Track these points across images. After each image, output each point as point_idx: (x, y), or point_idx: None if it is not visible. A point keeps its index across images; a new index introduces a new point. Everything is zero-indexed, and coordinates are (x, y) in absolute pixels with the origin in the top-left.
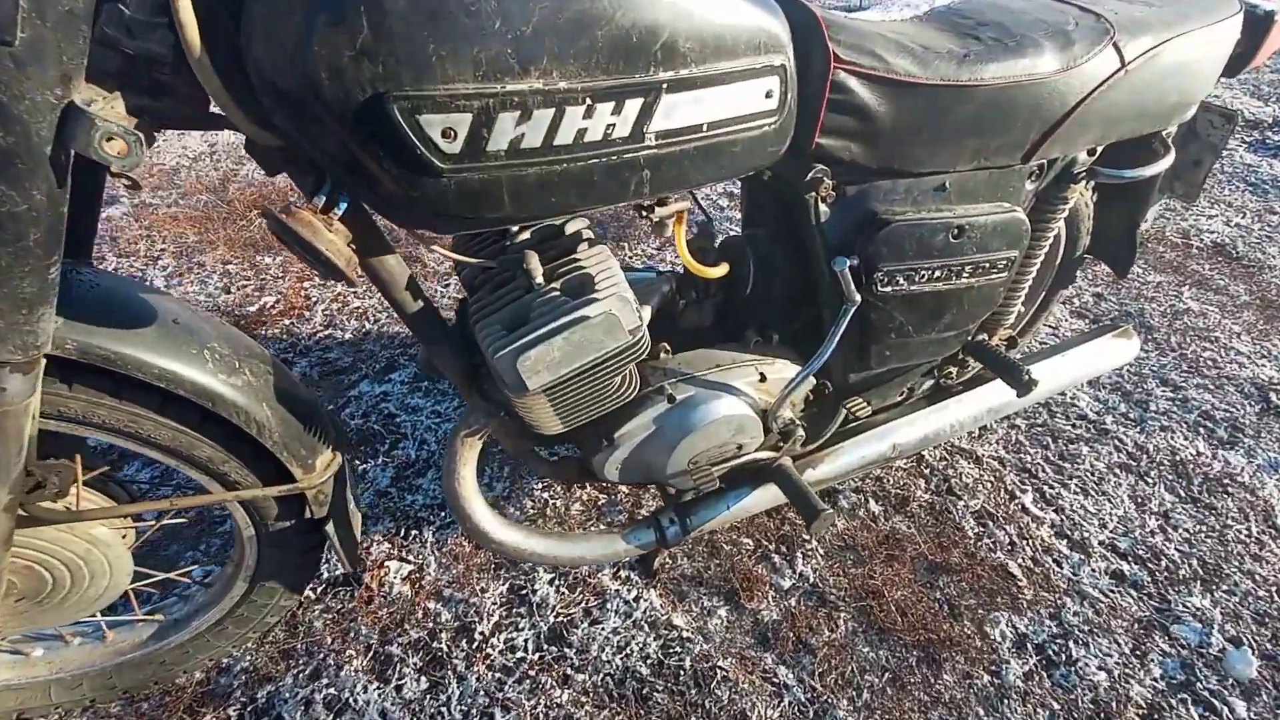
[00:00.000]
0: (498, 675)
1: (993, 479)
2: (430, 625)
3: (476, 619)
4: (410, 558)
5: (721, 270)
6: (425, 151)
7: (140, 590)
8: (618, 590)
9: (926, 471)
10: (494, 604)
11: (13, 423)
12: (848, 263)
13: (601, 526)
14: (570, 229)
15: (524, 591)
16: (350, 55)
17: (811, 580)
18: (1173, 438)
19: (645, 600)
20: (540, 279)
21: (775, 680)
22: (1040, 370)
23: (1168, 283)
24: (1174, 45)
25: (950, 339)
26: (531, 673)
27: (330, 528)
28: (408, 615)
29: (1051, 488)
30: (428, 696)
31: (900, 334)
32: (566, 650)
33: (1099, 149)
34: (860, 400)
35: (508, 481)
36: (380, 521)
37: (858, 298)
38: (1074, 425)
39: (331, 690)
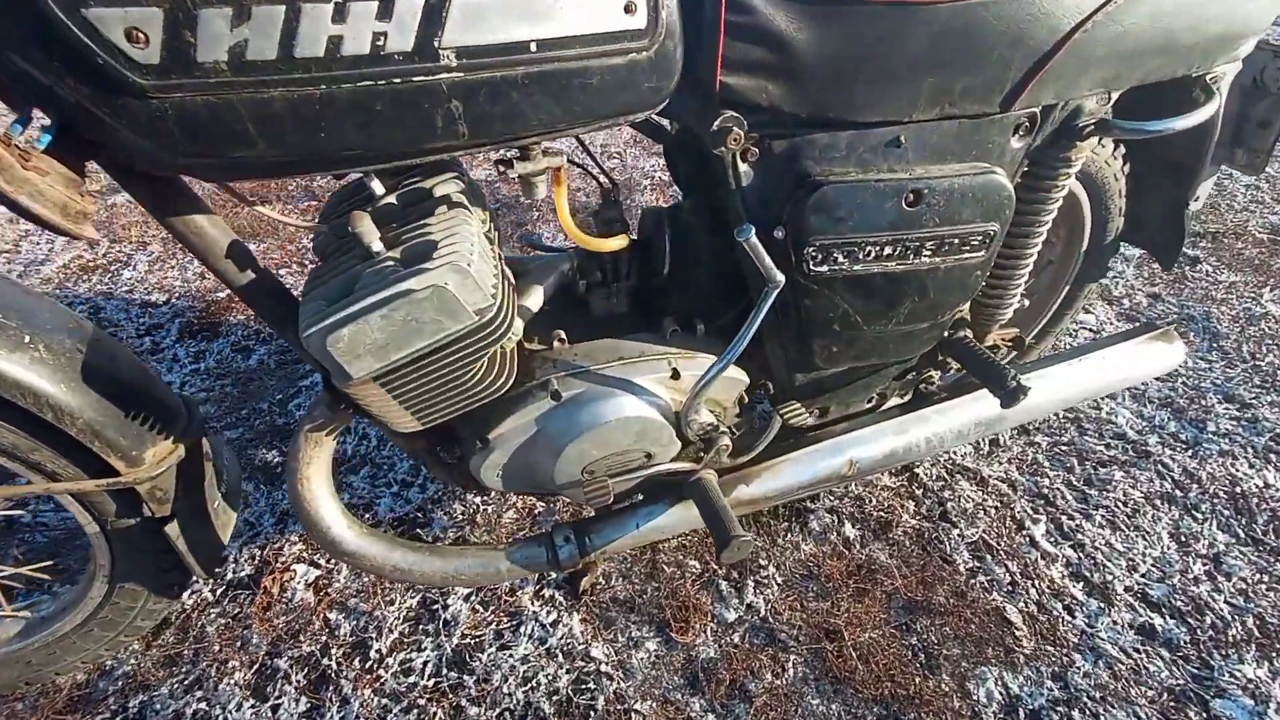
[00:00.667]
0: (384, 701)
1: (998, 504)
2: (325, 639)
3: (376, 635)
4: (320, 562)
5: (617, 243)
6: (111, 61)
7: (12, 586)
8: (536, 612)
9: (919, 492)
10: (399, 619)
11: None
12: (751, 231)
13: (487, 540)
14: (439, 190)
15: (435, 607)
16: None
17: (761, 614)
18: (1234, 465)
19: (565, 625)
20: (377, 245)
21: None
22: (1048, 376)
23: (1244, 283)
24: None
25: (919, 333)
26: (421, 700)
27: (174, 528)
28: (305, 626)
29: (1071, 518)
30: None
31: (847, 325)
32: (466, 677)
33: (1112, 95)
34: (798, 407)
35: (441, 483)
36: (297, 519)
37: (779, 277)
38: (1108, 445)
39: (204, 705)
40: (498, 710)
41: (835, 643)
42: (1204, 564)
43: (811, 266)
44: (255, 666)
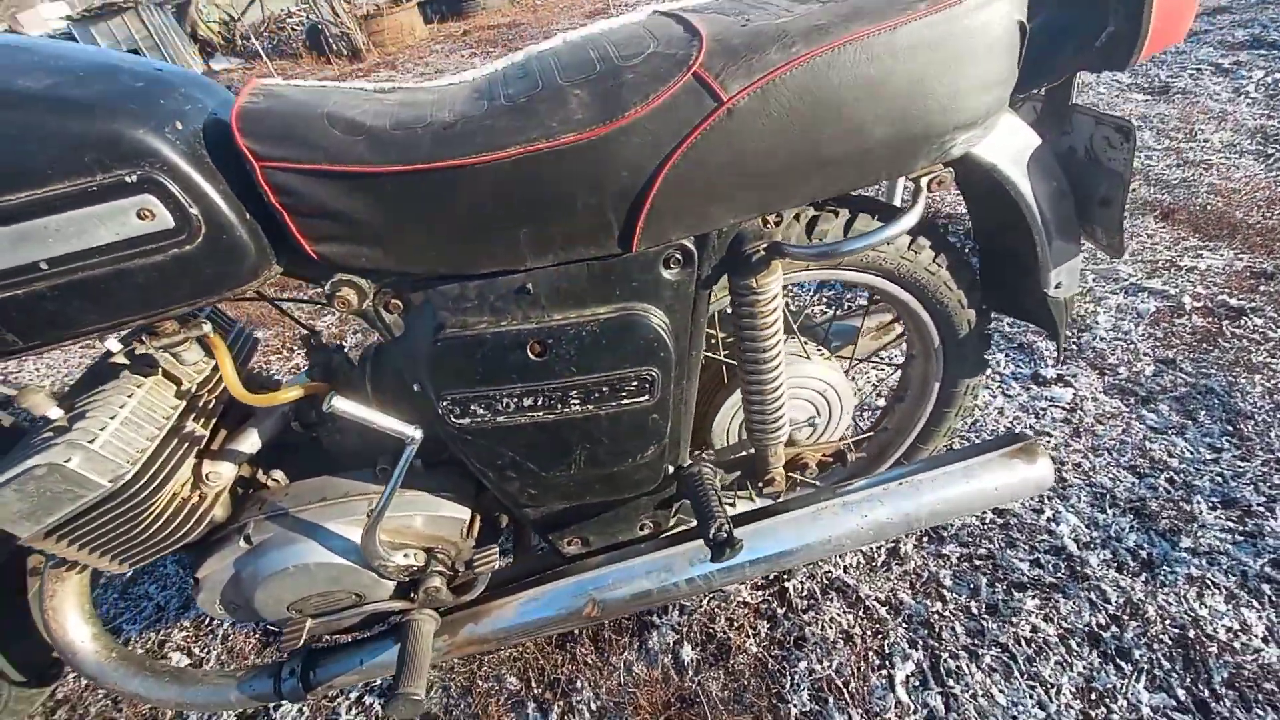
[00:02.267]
0: None
1: (867, 634)
2: None
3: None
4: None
5: (291, 394)
6: None
7: None
8: None
9: (780, 610)
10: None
11: None
12: (333, 399)
13: (232, 666)
14: (124, 358)
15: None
16: None
17: None
18: (1201, 598)
19: None
20: (53, 412)
21: None
22: (829, 515)
23: None
24: (849, 53)
25: (623, 473)
26: None
27: None
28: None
29: (955, 657)
30: None
31: (523, 471)
32: None
33: (773, 217)
34: (558, 535)
35: None
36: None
37: (414, 433)
38: (1035, 562)
39: None
40: None
41: None
42: None
43: (452, 419)
44: None
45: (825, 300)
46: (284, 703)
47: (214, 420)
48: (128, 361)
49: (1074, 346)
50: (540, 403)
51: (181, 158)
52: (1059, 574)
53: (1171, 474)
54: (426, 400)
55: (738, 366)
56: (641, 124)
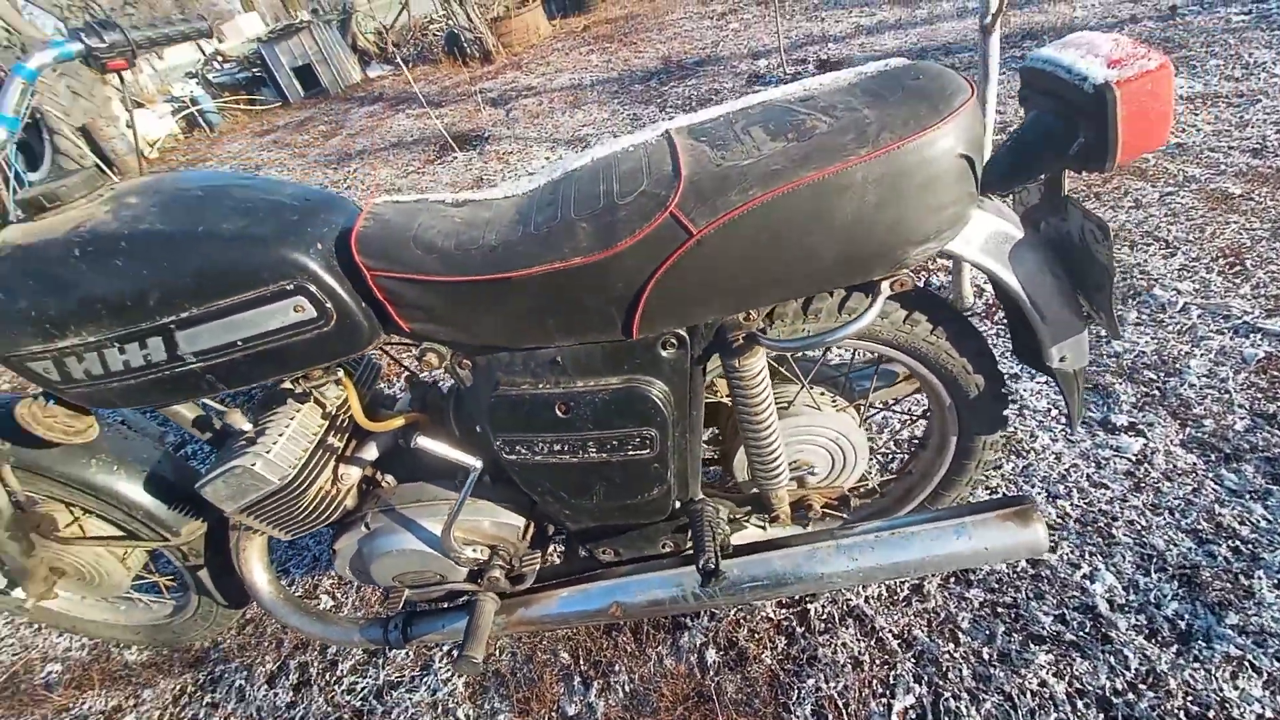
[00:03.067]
0: (328, 707)
1: (875, 662)
2: (316, 650)
3: (344, 655)
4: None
5: (396, 422)
6: (43, 377)
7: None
8: (439, 668)
9: (799, 629)
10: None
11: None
12: (418, 438)
13: (359, 614)
14: (293, 389)
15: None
16: None
17: (599, 714)
18: (1235, 681)
19: (453, 685)
20: (244, 426)
21: None
22: (822, 554)
23: None
24: (799, 193)
25: (633, 506)
26: (346, 715)
27: (203, 574)
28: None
29: (957, 698)
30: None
31: (556, 498)
32: (378, 706)
33: (756, 313)
34: (595, 544)
35: None
36: None
37: (475, 464)
38: (1059, 617)
39: (271, 666)
40: None
41: None
42: None
43: (505, 454)
44: (278, 655)
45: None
46: (390, 649)
47: (346, 435)
48: (293, 395)
49: (1156, 392)
50: (566, 449)
51: (322, 270)
52: (1082, 632)
53: (1239, 543)
54: (487, 436)
55: (739, 424)
56: (631, 250)
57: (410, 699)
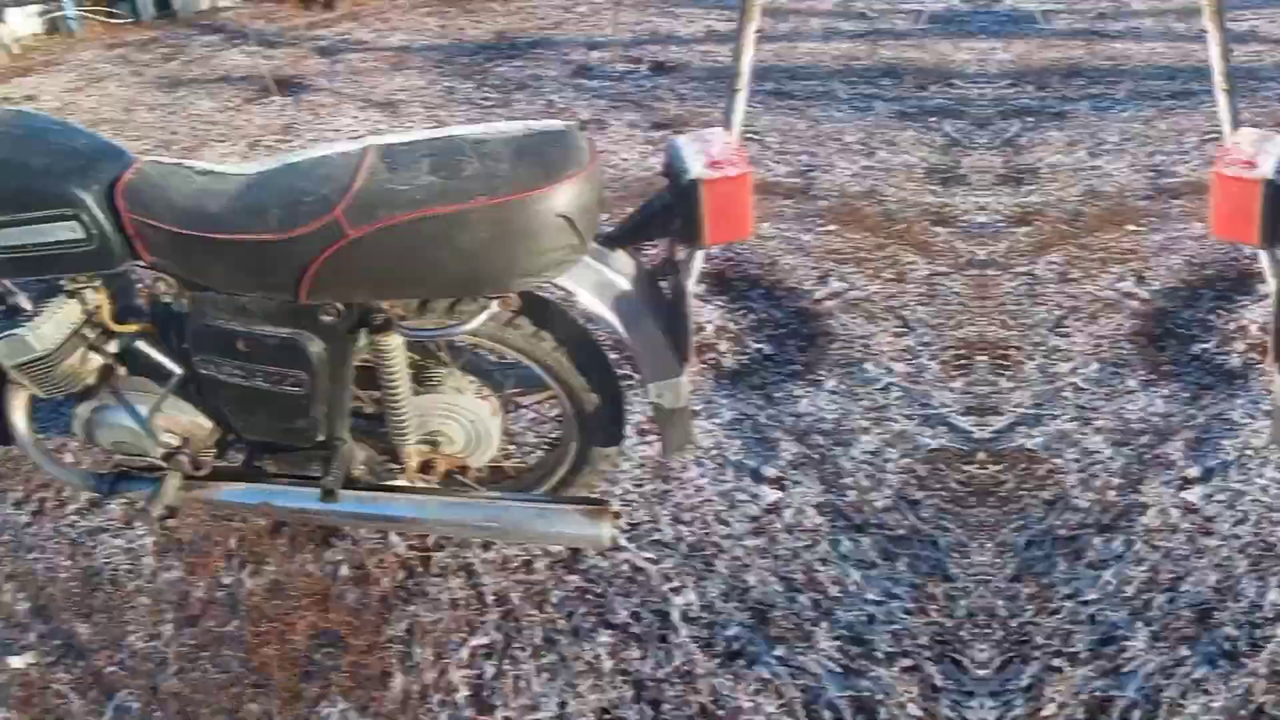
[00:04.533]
0: None
1: (468, 608)
2: None
3: None
4: None
5: (131, 328)
6: None
7: None
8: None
9: (420, 569)
10: None
11: None
12: (135, 339)
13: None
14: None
15: None
16: None
17: (246, 587)
18: (760, 694)
19: (145, 542)
20: (29, 306)
21: None
22: (425, 505)
23: None
24: (428, 221)
25: (295, 430)
26: None
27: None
28: None
29: (521, 650)
30: None
31: (231, 411)
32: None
33: (404, 304)
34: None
35: None
36: None
37: (179, 371)
38: (636, 613)
39: None
40: None
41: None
42: None
43: (200, 370)
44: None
45: None
46: (103, 497)
47: (98, 330)
48: (66, 292)
49: (817, 456)
50: (240, 375)
51: (94, 205)
52: (648, 629)
53: (821, 597)
54: (190, 353)
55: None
56: (303, 237)
57: (113, 542)
